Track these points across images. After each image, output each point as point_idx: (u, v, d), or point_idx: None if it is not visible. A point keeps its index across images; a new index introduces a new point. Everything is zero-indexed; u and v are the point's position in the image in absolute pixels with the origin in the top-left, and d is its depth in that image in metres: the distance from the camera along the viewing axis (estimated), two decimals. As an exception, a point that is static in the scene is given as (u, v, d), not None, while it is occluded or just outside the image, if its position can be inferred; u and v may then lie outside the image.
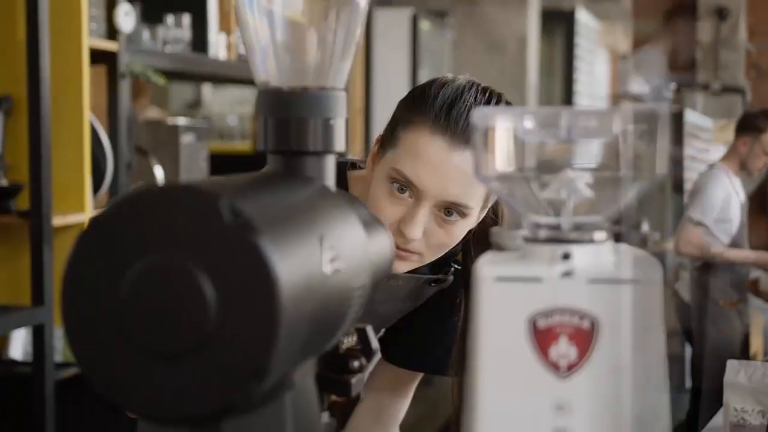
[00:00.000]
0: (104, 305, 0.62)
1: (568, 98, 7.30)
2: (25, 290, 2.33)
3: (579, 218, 0.71)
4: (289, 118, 0.80)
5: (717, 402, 4.55)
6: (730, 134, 8.48)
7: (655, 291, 0.68)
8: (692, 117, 7.11)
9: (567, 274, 0.68)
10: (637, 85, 5.22)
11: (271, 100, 0.81)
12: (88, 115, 2.46)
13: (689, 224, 4.19)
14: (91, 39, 2.49)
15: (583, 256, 0.68)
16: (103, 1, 2.59)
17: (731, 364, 1.92)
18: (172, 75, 3.10)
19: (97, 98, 2.60)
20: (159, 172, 2.87)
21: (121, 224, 0.62)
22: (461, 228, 1.26)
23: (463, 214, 1.23)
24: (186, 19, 2.95)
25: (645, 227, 5.04)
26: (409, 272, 1.33)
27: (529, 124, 0.70)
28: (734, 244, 4.27)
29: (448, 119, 1.21)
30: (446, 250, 1.28)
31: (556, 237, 0.70)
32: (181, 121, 3.07)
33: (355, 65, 3.23)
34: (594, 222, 0.71)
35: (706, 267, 4.26)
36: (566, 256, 0.68)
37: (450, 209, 1.23)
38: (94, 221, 0.62)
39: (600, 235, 0.70)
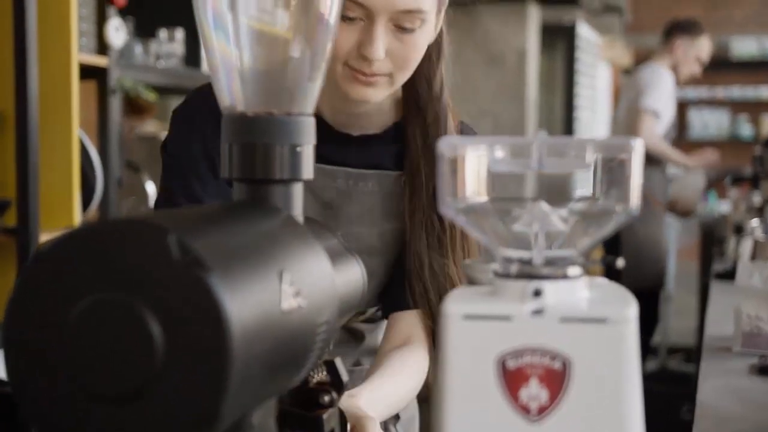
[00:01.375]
0: (47, 342, 0.59)
1: (568, 112, 7.27)
2: (11, 308, 2.29)
3: (551, 252, 0.68)
4: (254, 144, 0.77)
5: (644, 304, 4.59)
6: (615, 51, 8.49)
7: (630, 329, 0.65)
8: (584, 31, 7.09)
9: (538, 312, 0.65)
10: None
11: (236, 126, 0.78)
12: (77, 131, 2.43)
13: (646, 114, 4.25)
14: (81, 54, 2.47)
15: (555, 293, 0.65)
16: (94, 16, 2.56)
17: (743, 266, 1.79)
18: (164, 90, 3.07)
19: (87, 114, 2.58)
20: (150, 188, 2.84)
21: (68, 258, 0.59)
22: (422, 37, 1.21)
23: (419, 21, 1.19)
24: (179, 33, 2.93)
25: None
26: (374, 170, 1.31)
27: (499, 153, 0.67)
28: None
29: None
30: (413, 66, 1.23)
31: (528, 272, 0.67)
32: (175, 136, 3.03)
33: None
34: (567, 256, 0.68)
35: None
36: (537, 293, 0.65)
37: (405, 19, 1.19)
38: (40, 254, 0.59)
39: (573, 270, 0.67)
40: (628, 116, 4.37)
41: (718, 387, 1.55)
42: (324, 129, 1.29)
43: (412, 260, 1.29)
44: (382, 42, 1.18)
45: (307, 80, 0.79)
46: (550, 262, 0.67)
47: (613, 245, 4.16)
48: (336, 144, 1.32)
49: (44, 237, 2.34)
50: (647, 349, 4.72)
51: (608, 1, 9.28)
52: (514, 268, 0.67)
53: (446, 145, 0.67)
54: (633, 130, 4.29)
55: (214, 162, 1.27)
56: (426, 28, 1.21)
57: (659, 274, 4.35)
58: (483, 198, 0.69)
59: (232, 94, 0.79)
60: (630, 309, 0.65)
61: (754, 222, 3.01)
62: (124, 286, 0.57)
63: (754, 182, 4.22)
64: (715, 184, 9.84)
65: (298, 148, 0.78)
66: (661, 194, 4.41)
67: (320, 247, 0.75)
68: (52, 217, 2.42)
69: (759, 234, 2.86)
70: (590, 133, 7.94)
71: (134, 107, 3.29)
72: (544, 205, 0.68)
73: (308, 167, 0.79)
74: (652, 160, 4.31)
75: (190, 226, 0.62)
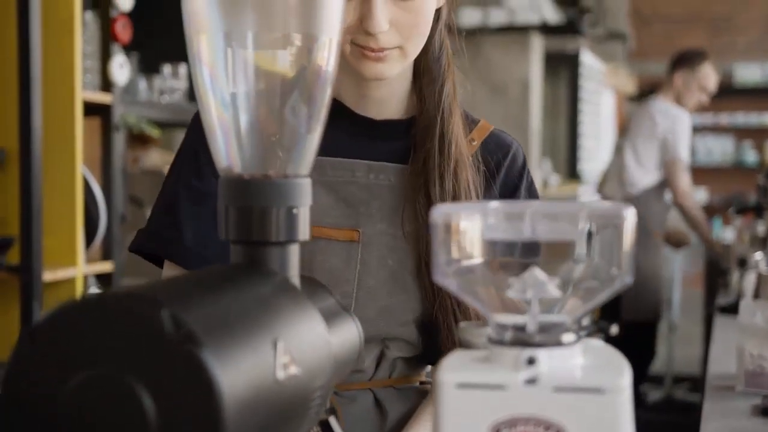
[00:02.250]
0: (42, 417, 0.59)
1: (572, 140, 7.28)
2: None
3: (545, 317, 0.68)
4: (251, 206, 0.77)
5: (641, 336, 4.56)
6: (619, 78, 8.53)
7: (624, 398, 0.64)
8: (587, 58, 7.11)
9: (531, 381, 0.65)
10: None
11: (233, 188, 0.78)
12: (80, 168, 2.44)
13: (682, 166, 4.28)
14: (85, 92, 2.48)
15: (549, 361, 0.65)
16: (98, 53, 2.58)
17: (745, 305, 1.77)
18: (168, 124, 3.08)
19: (91, 150, 2.59)
20: (154, 223, 2.84)
21: (61, 333, 0.59)
22: (426, 1, 1.15)
23: None
24: (183, 69, 2.95)
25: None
26: (396, 163, 1.23)
27: (492, 220, 0.67)
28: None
29: None
30: (423, 34, 1.17)
31: (522, 339, 0.67)
32: (178, 170, 3.05)
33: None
34: (561, 322, 0.68)
35: (641, 197, 4.34)
36: (531, 361, 0.65)
37: None
38: (33, 330, 0.60)
39: (568, 336, 0.67)
40: (649, 158, 4.35)
41: (720, 429, 1.54)
42: (345, 113, 1.25)
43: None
44: (382, 13, 1.12)
45: (303, 145, 0.79)
46: (544, 329, 0.68)
47: None
48: (357, 129, 1.25)
49: (47, 275, 2.35)
50: (644, 379, 4.70)
51: (612, 28, 9.33)
52: (507, 335, 0.67)
53: (439, 213, 0.67)
54: (670, 184, 4.30)
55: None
56: None
57: (657, 305, 4.34)
58: (476, 264, 0.69)
59: (229, 155, 0.79)
60: (624, 378, 0.65)
61: (758, 255, 3.00)
62: (118, 362, 0.58)
63: (758, 211, 4.21)
64: (720, 211, 9.84)
65: (295, 210, 0.78)
66: (660, 225, 4.41)
67: (315, 310, 0.75)
68: (55, 254, 2.42)
69: (763, 267, 2.85)
70: (594, 160, 7.95)
71: (138, 137, 3.30)
72: (538, 272, 0.68)
73: (305, 228, 0.79)
74: (651, 191, 4.32)
75: (184, 297, 0.62)
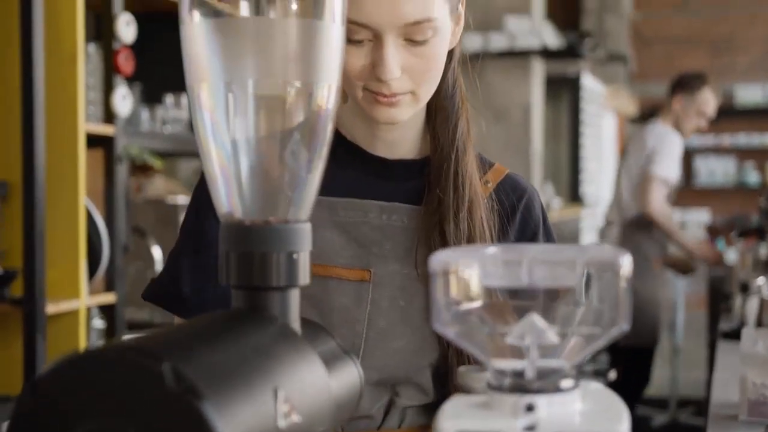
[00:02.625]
0: (44, 471, 0.59)
1: (574, 163, 7.30)
2: (18, 380, 2.30)
3: (544, 362, 0.68)
4: (251, 252, 0.78)
5: (637, 361, 4.56)
6: (620, 100, 8.55)
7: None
8: (588, 81, 7.13)
9: (530, 428, 0.65)
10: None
11: (234, 234, 0.79)
12: (83, 200, 2.45)
13: (656, 182, 4.27)
14: (88, 124, 2.50)
15: (548, 407, 0.66)
16: (101, 84, 2.60)
17: (747, 333, 1.76)
18: (171, 154, 3.10)
19: (94, 181, 2.60)
20: (157, 253, 2.85)
21: (63, 386, 0.60)
22: (438, 46, 1.13)
23: (431, 30, 1.11)
24: (185, 98, 2.97)
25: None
26: (409, 204, 1.21)
27: (490, 267, 0.68)
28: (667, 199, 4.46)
29: None
30: (435, 78, 1.15)
31: (520, 386, 0.67)
32: (181, 199, 3.07)
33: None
34: (560, 368, 0.68)
35: (638, 223, 4.33)
36: (530, 408, 0.66)
37: (415, 32, 1.10)
38: (36, 382, 0.60)
39: (566, 382, 0.68)
40: (638, 179, 4.39)
41: (723, 460, 1.54)
42: (358, 153, 1.25)
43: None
44: (394, 60, 1.10)
45: (303, 191, 0.80)
46: (542, 375, 0.68)
47: None
48: (370, 169, 1.24)
49: (50, 308, 2.35)
50: (639, 403, 4.68)
51: (613, 50, 9.37)
52: (506, 382, 0.68)
53: (438, 260, 0.68)
54: (641, 196, 4.32)
55: None
56: (441, 36, 1.13)
57: (654, 330, 4.33)
58: (475, 311, 0.70)
59: (230, 201, 0.80)
60: (623, 424, 0.65)
61: (760, 280, 3.00)
62: (120, 415, 0.58)
63: (760, 234, 4.21)
64: (723, 232, 9.83)
65: (295, 255, 0.79)
66: (658, 251, 4.41)
67: (315, 355, 0.75)
68: (58, 286, 2.43)
69: (766, 293, 2.85)
70: (596, 183, 7.96)
71: (142, 164, 3.32)
72: (536, 319, 0.68)
73: (305, 272, 0.80)
74: (645, 215, 4.33)
75: (184, 349, 0.62)
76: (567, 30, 7.05)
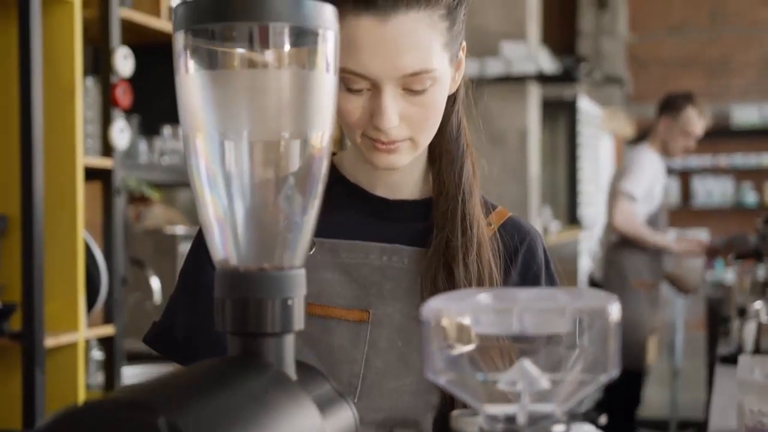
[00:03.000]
0: None
1: (571, 185, 7.32)
2: (17, 414, 2.30)
3: (535, 407, 0.69)
4: (247, 299, 0.79)
5: (625, 384, 4.51)
6: (617, 122, 8.55)
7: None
8: (585, 104, 7.15)
9: (522, 474, 0.66)
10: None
11: (229, 281, 0.80)
12: (82, 234, 2.46)
13: (621, 196, 4.26)
14: (86, 157, 2.51)
15: (540, 453, 0.67)
16: (99, 118, 2.61)
17: (743, 361, 1.77)
18: (169, 185, 3.12)
19: (92, 214, 2.61)
20: (156, 284, 2.86)
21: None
22: (437, 94, 1.14)
23: (430, 80, 1.11)
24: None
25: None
26: (410, 246, 1.21)
27: (481, 316, 0.69)
28: (651, 222, 4.40)
29: None
30: (434, 126, 1.16)
31: (513, 431, 0.68)
32: (180, 230, 3.08)
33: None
34: (551, 413, 0.69)
35: (621, 244, 4.31)
36: (522, 454, 0.67)
37: (413, 82, 1.11)
38: (34, 435, 0.61)
39: (558, 428, 0.68)
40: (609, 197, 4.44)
41: (721, 490, 1.54)
42: (359, 194, 1.25)
43: None
44: (392, 109, 1.11)
45: (297, 237, 0.81)
46: (534, 419, 0.69)
47: None
48: (371, 210, 1.25)
49: (49, 341, 2.36)
50: (634, 425, 4.66)
51: (609, 72, 9.41)
52: (499, 427, 0.69)
53: (430, 309, 0.69)
54: (607, 212, 4.35)
55: None
56: (440, 85, 1.14)
57: (639, 355, 4.31)
58: (467, 358, 0.71)
59: (225, 248, 0.81)
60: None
61: (758, 304, 3.00)
62: (116, 469, 0.59)
63: (758, 256, 4.21)
64: (721, 252, 9.84)
65: (290, 301, 0.80)
66: (647, 273, 4.38)
67: (309, 400, 0.76)
68: (57, 320, 2.43)
69: (763, 317, 2.85)
70: (594, 205, 7.97)
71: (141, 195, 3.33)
72: (528, 365, 0.69)
73: (299, 318, 0.81)
74: (625, 238, 4.32)
75: (180, 401, 0.63)
76: (563, 54, 7.08)
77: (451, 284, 1.18)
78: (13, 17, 2.35)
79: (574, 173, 7.32)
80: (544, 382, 0.69)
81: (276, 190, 0.82)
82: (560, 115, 7.16)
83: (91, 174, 2.57)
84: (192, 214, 3.34)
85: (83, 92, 2.51)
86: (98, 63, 2.71)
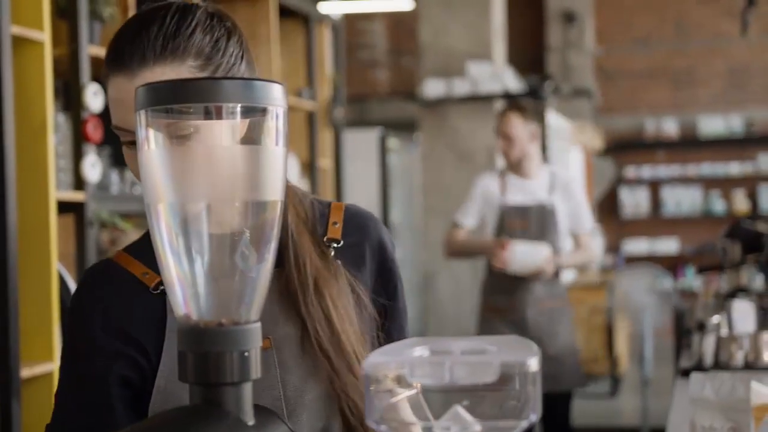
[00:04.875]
0: None
1: (542, 199, 7.40)
2: (-7, 445, 2.35)
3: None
4: (207, 352, 0.87)
5: (555, 407, 4.31)
6: (586, 135, 8.63)
7: None
8: (553, 119, 7.27)
9: None
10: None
11: (190, 336, 0.88)
12: (56, 266, 2.52)
13: (451, 227, 4.16)
14: (58, 191, 2.57)
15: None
16: (71, 152, 2.68)
17: (695, 377, 1.82)
18: (141, 215, 3.18)
19: (65, 246, 2.67)
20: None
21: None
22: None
23: (194, 127, 1.09)
24: (154, 159, 3.05)
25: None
26: None
27: (417, 370, 0.77)
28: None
29: (119, 49, 1.15)
30: None
31: (447, 472, 0.76)
32: (152, 256, 3.13)
33: (325, 185, 3.37)
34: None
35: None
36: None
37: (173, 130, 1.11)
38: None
39: (487, 468, 0.76)
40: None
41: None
42: None
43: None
44: None
45: (252, 294, 0.88)
46: (466, 461, 0.77)
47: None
48: None
49: (24, 371, 2.41)
50: None
51: (577, 85, 9.54)
52: (434, 469, 0.76)
53: (369, 364, 0.77)
54: None
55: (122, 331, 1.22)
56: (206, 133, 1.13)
57: (573, 375, 4.20)
58: (403, 407, 0.78)
59: (186, 305, 0.89)
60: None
61: (716, 318, 3.08)
62: None
63: (720, 268, 4.31)
64: (691, 260, 9.99)
65: (246, 353, 0.88)
66: (548, 297, 4.10)
67: (266, 446, 0.84)
68: (31, 351, 2.49)
69: (723, 330, 2.94)
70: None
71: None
72: (461, 410, 0.77)
73: (256, 367, 0.89)
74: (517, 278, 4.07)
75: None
76: (530, 70, 7.19)
77: (302, 322, 1.22)
78: (-15, 57, 2.41)
79: (544, 187, 7.40)
80: (475, 426, 0.77)
81: (231, 252, 0.89)
82: (529, 129, 7.25)
83: (64, 207, 2.63)
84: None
85: (55, 128, 2.58)
86: (69, 98, 2.77)
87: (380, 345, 1.24)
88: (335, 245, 1.28)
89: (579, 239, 4.11)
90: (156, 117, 0.86)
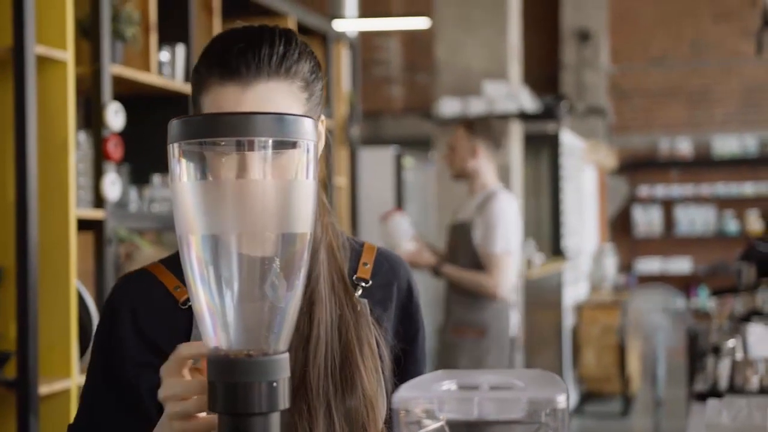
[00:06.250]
0: None
1: (555, 218, 7.41)
2: (11, 461, 2.37)
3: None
4: (236, 383, 0.88)
5: None
6: (600, 153, 8.59)
7: None
8: (567, 138, 7.26)
9: None
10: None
11: (219, 367, 0.89)
12: (75, 283, 2.54)
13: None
14: (78, 209, 2.59)
15: None
16: (91, 170, 2.70)
17: (712, 404, 1.82)
18: (159, 229, 3.20)
19: (84, 263, 2.69)
20: (145, 329, 2.93)
21: None
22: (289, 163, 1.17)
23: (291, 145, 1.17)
24: (172, 177, 3.07)
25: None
26: None
27: (445, 405, 0.78)
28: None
29: (231, 60, 1.16)
30: None
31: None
32: (168, 273, 3.14)
33: (340, 203, 3.38)
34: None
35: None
36: None
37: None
38: None
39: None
40: None
41: None
42: None
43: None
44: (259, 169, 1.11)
45: (280, 325, 0.89)
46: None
47: None
48: None
49: (43, 388, 2.43)
50: None
51: (592, 104, 9.55)
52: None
53: (398, 399, 0.78)
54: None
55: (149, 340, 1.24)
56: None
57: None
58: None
59: (216, 337, 0.90)
60: None
61: (731, 342, 3.07)
62: None
63: (734, 290, 4.29)
64: (704, 280, 9.96)
65: (275, 384, 0.89)
66: (466, 323, 3.95)
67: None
68: (50, 367, 2.50)
69: (738, 355, 2.93)
70: (578, 236, 8.07)
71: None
72: (487, 445, 0.78)
73: (285, 398, 0.90)
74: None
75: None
76: (545, 89, 7.19)
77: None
78: (9, 76, 2.44)
79: (558, 205, 7.42)
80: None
81: (261, 280, 0.91)
82: (543, 148, 7.27)
83: (84, 224, 2.65)
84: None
85: (76, 146, 2.60)
86: (90, 116, 2.80)
87: (394, 387, 1.23)
88: (363, 285, 1.29)
89: (488, 260, 3.85)
90: (189, 150, 0.88)
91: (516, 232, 3.96)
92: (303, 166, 0.89)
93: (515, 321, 4.07)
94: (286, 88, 1.18)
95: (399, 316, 1.33)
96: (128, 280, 1.30)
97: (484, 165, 4.01)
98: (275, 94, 1.17)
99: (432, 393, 0.78)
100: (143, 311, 1.24)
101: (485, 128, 4.02)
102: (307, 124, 0.89)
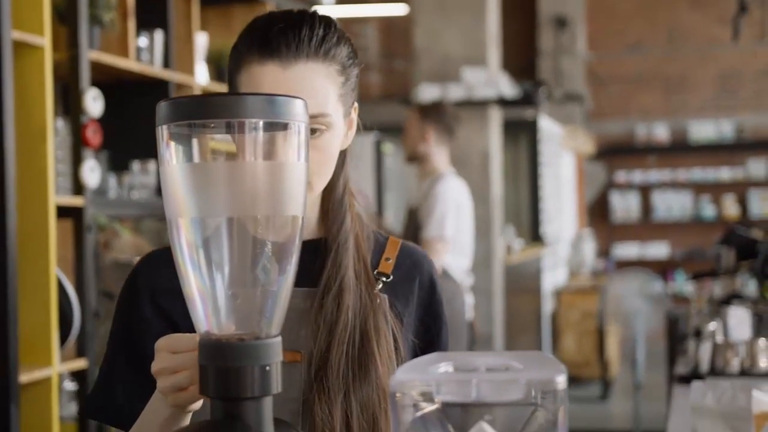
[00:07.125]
0: None
1: (534, 204, 7.44)
2: (-8, 450, 2.34)
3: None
4: (228, 367, 0.87)
5: None
6: (578, 140, 8.62)
7: None
8: (546, 124, 7.30)
9: None
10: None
11: (211, 351, 0.87)
12: (54, 271, 2.51)
13: None
14: (57, 196, 2.56)
15: None
16: (70, 157, 2.67)
17: (696, 386, 1.82)
18: (138, 217, 3.18)
19: (64, 250, 2.66)
20: (126, 317, 2.90)
21: None
22: (330, 141, 1.21)
23: (326, 125, 1.19)
24: (152, 165, 3.05)
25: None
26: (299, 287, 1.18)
27: (443, 387, 0.77)
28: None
29: (272, 39, 1.18)
30: (329, 171, 1.23)
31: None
32: (149, 261, 3.12)
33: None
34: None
35: None
36: None
37: (311, 123, 1.10)
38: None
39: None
40: None
41: None
42: None
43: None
44: None
45: (272, 308, 0.88)
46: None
47: None
48: None
49: (23, 377, 2.40)
50: None
51: (569, 90, 9.56)
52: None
53: (396, 382, 0.77)
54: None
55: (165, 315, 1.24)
56: (334, 133, 1.21)
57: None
58: (430, 422, 0.78)
59: (208, 321, 0.89)
60: None
61: (712, 325, 3.09)
62: None
63: (713, 274, 4.31)
64: (681, 264, 10.02)
65: (267, 367, 0.88)
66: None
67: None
68: (30, 356, 2.48)
69: (719, 338, 2.95)
70: (556, 222, 8.10)
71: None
72: (486, 426, 0.78)
73: (277, 382, 0.89)
74: None
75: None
76: (523, 76, 7.20)
77: (315, 322, 1.22)
78: (-14, 62, 2.40)
79: (536, 191, 7.44)
80: (498, 442, 0.77)
81: (253, 264, 0.89)
82: (521, 134, 7.28)
83: (63, 212, 2.62)
84: (159, 241, 3.39)
85: (54, 133, 2.57)
86: (68, 104, 2.76)
87: None
88: (384, 279, 1.29)
89: (423, 245, 3.76)
90: (178, 132, 0.86)
91: (456, 217, 3.91)
92: (294, 148, 0.88)
93: (469, 304, 4.05)
94: (324, 71, 1.20)
95: (421, 311, 1.33)
96: (151, 258, 1.30)
97: (435, 150, 4.01)
98: (314, 75, 1.19)
99: (429, 375, 0.77)
100: (163, 289, 1.24)
101: (437, 113, 4.03)
102: (299, 105, 0.88)
